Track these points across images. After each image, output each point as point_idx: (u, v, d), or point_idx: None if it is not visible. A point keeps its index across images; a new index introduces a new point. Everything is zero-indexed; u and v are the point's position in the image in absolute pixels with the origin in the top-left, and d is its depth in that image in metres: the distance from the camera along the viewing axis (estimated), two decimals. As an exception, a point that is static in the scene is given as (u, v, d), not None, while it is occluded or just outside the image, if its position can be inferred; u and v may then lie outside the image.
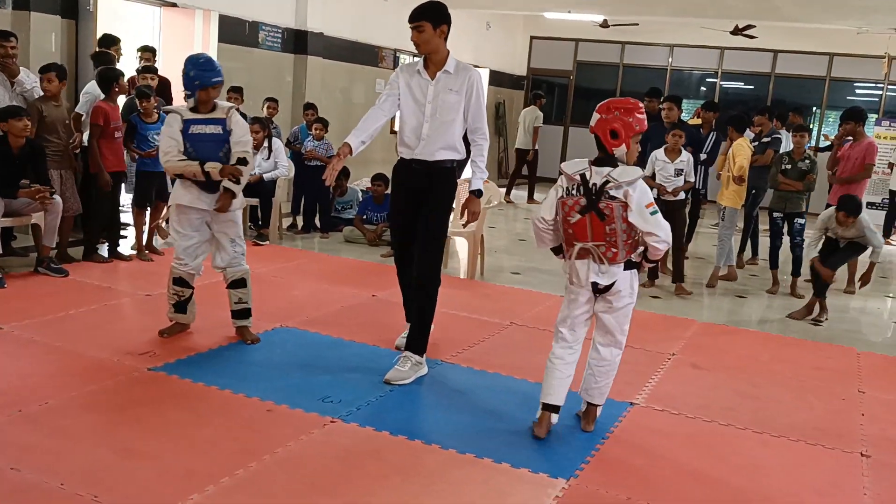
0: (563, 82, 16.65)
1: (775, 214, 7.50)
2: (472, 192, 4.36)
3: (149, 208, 6.77)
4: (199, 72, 4.38)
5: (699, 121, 8.83)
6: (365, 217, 8.42)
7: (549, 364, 3.66)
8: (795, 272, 7.40)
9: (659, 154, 6.98)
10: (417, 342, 4.36)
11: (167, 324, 4.70)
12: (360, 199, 8.90)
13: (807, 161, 7.36)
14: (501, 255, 8.15)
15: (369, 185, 8.61)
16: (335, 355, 4.61)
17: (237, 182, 4.45)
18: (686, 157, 6.99)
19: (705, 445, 3.81)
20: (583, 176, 3.46)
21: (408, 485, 3.15)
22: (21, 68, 6.27)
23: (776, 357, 5.38)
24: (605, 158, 3.51)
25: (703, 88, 16.05)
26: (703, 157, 8.01)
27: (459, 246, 8.30)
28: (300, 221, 8.72)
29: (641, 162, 7.37)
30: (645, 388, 4.45)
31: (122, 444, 3.29)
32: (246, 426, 3.59)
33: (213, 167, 4.36)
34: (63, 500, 2.83)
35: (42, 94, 6.15)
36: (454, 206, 4.59)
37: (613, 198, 3.41)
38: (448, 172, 4.36)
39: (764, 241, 8.12)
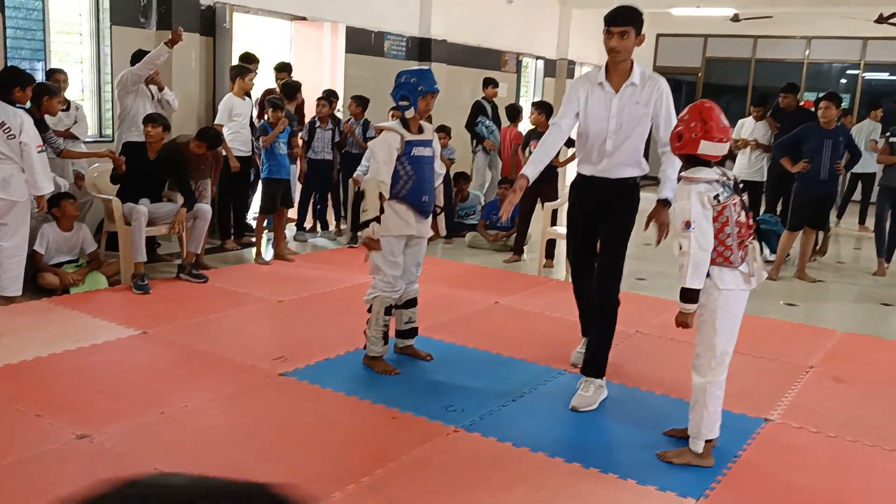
0: (690, 80, 16.15)
1: None
2: (659, 201, 4.00)
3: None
4: (422, 78, 4.21)
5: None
6: (489, 222, 8.43)
7: (719, 394, 3.40)
8: None
9: None
10: (597, 365, 4.06)
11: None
12: (483, 203, 8.93)
13: None
14: (626, 261, 7.94)
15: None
16: (458, 363, 4.63)
17: (442, 210, 4.55)
18: None
19: (848, 467, 3.58)
20: (724, 174, 3.30)
21: (531, 497, 3.12)
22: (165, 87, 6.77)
23: (929, 371, 5.00)
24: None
25: (843, 81, 15.18)
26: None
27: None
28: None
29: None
30: (781, 403, 4.23)
31: (256, 447, 3.42)
32: (372, 432, 3.66)
33: (368, 233, 4.13)
34: (202, 500, 2.97)
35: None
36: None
37: None
38: (631, 188, 4.10)
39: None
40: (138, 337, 4.78)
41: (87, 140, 6.66)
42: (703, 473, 3.36)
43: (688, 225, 3.13)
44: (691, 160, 3.33)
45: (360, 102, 8.17)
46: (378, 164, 4.17)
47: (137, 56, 6.62)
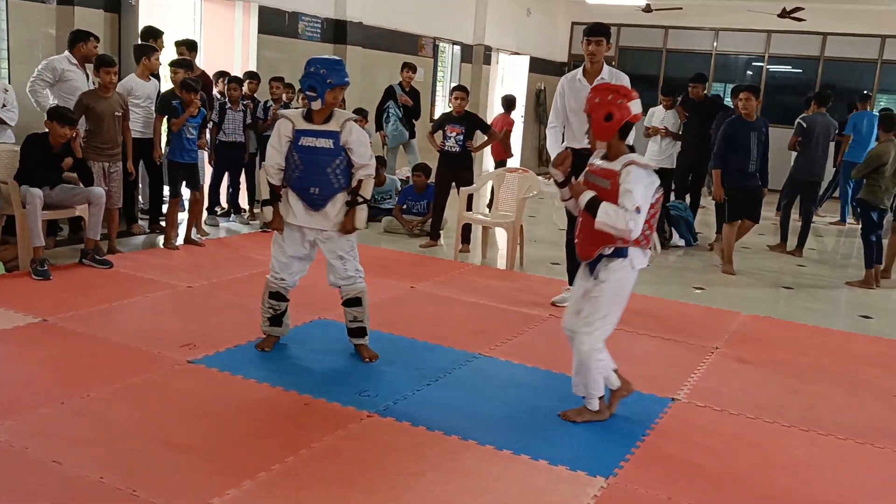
0: (605, 68, 16.44)
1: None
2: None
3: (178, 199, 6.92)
4: (331, 70, 4.05)
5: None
6: (405, 206, 8.40)
7: (603, 356, 3.63)
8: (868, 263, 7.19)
9: None
10: None
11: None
12: (399, 188, 8.89)
13: None
14: (541, 246, 8.08)
15: (410, 175, 8.65)
16: (373, 348, 4.57)
17: (364, 201, 4.23)
18: None
19: (750, 444, 3.71)
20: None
21: (444, 482, 3.12)
22: None
23: (827, 351, 5.23)
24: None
25: (749, 73, 15.73)
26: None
27: (499, 236, 8.25)
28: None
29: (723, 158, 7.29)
30: (687, 383, 4.36)
31: (163, 437, 3.32)
32: (283, 420, 3.60)
33: (266, 215, 4.26)
34: (102, 494, 2.86)
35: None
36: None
37: None
38: None
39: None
40: (37, 325, 4.57)
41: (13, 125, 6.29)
42: (613, 453, 3.44)
43: (638, 210, 3.33)
44: (623, 132, 3.50)
45: (284, 84, 8.04)
46: (270, 149, 4.24)
47: (76, 36, 6.38)
